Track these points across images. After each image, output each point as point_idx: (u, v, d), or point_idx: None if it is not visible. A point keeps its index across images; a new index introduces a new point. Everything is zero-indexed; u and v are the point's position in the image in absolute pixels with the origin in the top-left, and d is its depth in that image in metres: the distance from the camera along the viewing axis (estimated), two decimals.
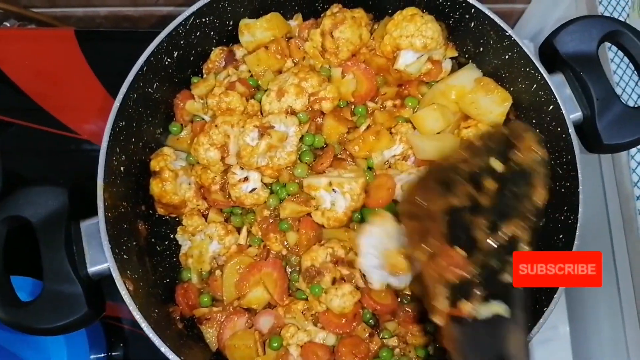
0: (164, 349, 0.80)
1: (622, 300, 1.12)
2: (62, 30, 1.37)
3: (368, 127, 1.00)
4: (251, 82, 1.02)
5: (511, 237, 0.65)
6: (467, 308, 0.58)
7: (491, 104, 0.98)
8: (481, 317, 0.59)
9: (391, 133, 1.00)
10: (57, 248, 0.81)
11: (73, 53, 1.32)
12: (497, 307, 0.59)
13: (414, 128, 1.01)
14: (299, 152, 0.99)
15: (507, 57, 0.97)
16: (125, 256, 0.86)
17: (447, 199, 0.67)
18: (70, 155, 1.32)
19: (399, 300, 0.96)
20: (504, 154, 0.73)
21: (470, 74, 1.02)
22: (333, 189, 0.93)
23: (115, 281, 0.81)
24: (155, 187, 0.97)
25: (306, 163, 0.98)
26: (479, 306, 0.59)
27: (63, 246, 0.81)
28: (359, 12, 1.03)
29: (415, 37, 0.96)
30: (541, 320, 0.82)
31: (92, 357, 1.15)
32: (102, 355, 1.20)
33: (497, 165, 0.72)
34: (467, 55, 1.06)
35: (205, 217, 1.02)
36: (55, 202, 0.83)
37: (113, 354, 1.22)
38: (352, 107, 1.04)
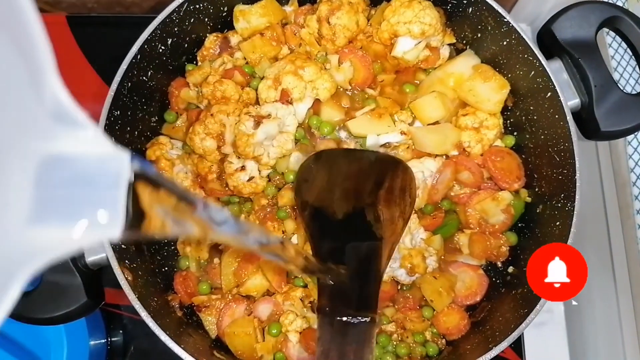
0: (163, 337, 0.81)
1: (617, 285, 1.13)
2: (54, 15, 1.34)
3: (373, 109, 1.00)
4: (247, 70, 1.01)
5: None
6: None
7: (489, 91, 0.97)
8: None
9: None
10: None
11: (65, 39, 1.30)
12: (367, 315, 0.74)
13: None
14: (296, 140, 0.98)
15: (505, 43, 0.96)
16: (123, 245, 0.86)
17: None
18: None
19: (398, 287, 0.97)
20: None
21: (468, 60, 1.01)
22: None
23: (114, 271, 0.82)
24: None
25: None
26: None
27: None
28: None
29: (413, 24, 0.95)
30: (537, 306, 0.83)
31: (91, 342, 1.16)
32: (102, 341, 1.20)
33: None
34: (465, 42, 1.05)
35: None
36: None
37: (113, 339, 1.23)
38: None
